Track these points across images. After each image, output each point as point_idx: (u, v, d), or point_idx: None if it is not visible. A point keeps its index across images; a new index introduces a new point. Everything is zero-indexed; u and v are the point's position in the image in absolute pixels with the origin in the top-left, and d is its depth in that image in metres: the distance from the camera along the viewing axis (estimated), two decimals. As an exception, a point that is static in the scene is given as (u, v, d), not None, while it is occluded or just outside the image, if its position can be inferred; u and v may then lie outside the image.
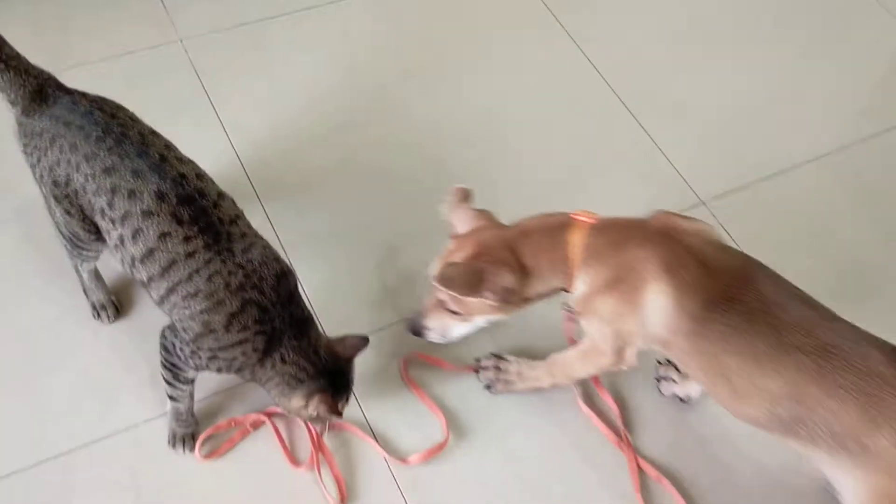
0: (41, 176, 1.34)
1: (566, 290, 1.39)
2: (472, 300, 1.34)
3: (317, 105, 2.00)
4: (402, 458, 1.47)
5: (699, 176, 1.96)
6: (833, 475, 1.27)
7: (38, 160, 1.33)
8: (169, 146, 1.33)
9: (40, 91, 1.34)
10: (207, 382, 1.51)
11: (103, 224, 1.30)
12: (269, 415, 1.49)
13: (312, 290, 1.64)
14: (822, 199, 1.96)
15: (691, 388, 1.56)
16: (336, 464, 1.45)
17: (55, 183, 1.32)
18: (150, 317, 1.59)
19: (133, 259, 1.29)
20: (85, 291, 1.57)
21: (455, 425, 1.53)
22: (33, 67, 1.36)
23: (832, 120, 2.13)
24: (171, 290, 1.28)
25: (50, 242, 1.63)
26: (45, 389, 1.50)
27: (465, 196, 1.45)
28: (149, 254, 1.26)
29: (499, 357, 1.58)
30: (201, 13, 2.13)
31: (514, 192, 1.82)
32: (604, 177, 1.93)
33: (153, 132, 1.34)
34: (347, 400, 1.41)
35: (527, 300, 1.39)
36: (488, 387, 1.57)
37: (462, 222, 1.41)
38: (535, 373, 1.54)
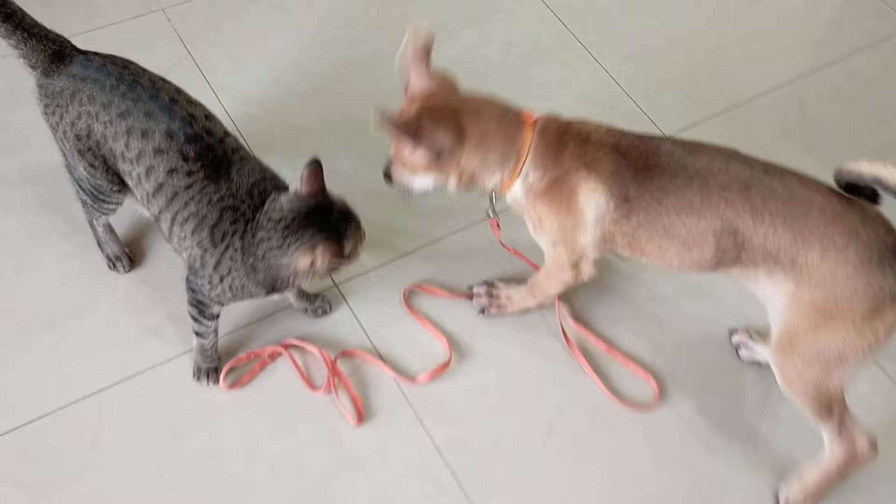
0: (64, 132, 1.43)
1: (494, 193, 1.50)
2: (410, 155, 1.43)
3: (300, 62, 2.10)
4: (410, 378, 1.61)
5: (661, 112, 2.11)
6: (769, 295, 1.43)
7: (61, 118, 1.42)
8: (179, 90, 1.43)
9: (58, 53, 1.43)
10: (227, 320, 1.61)
11: (124, 167, 1.41)
12: (286, 346, 1.61)
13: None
14: (772, 130, 2.13)
15: None
16: (351, 386, 1.58)
17: (77, 137, 1.41)
18: (161, 265, 1.70)
19: (147, 194, 1.40)
20: (99, 245, 1.66)
21: (455, 347, 1.66)
22: (51, 32, 1.45)
23: (783, 54, 2.30)
24: (173, 220, 1.39)
25: (60, 202, 1.72)
26: (71, 337, 1.60)
27: (426, 42, 1.43)
28: (158, 188, 1.38)
29: (490, 284, 1.73)
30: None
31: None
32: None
33: (163, 79, 1.44)
34: (358, 227, 1.40)
35: (463, 175, 1.45)
36: (482, 311, 1.71)
37: (418, 81, 1.44)
38: (521, 295, 1.69)
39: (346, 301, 1.70)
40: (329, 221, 1.35)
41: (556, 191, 1.42)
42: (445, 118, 1.39)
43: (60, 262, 1.69)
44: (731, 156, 1.40)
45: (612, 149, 1.41)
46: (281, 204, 1.35)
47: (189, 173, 1.36)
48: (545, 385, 1.64)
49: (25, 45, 1.42)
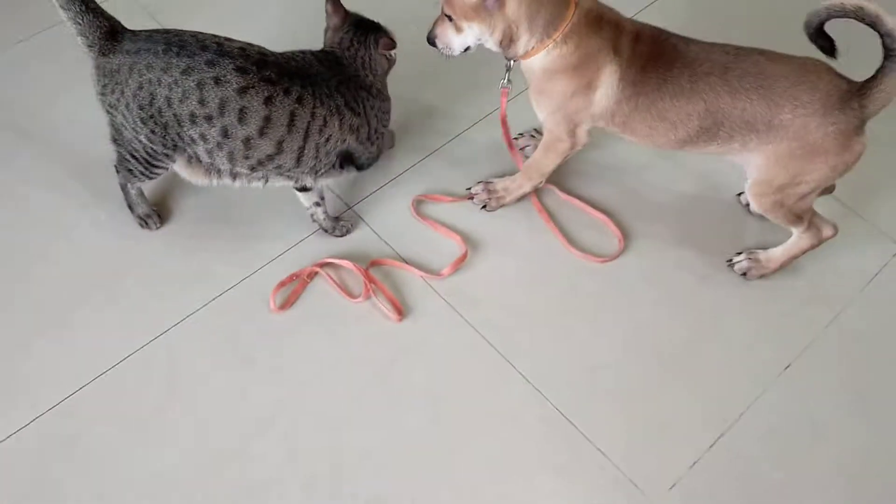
0: (127, 105, 1.52)
1: (513, 58, 1.65)
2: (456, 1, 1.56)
3: (276, 24, 2.24)
4: (436, 274, 1.80)
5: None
6: (744, 160, 1.67)
7: (122, 93, 1.52)
8: (215, 35, 1.55)
9: (112, 31, 1.52)
10: (261, 253, 1.80)
11: (194, 132, 1.52)
12: (321, 265, 1.78)
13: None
14: (686, 23, 2.37)
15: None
16: (386, 288, 1.77)
17: (141, 107, 1.52)
18: (189, 216, 1.85)
19: (248, 140, 1.53)
20: (131, 207, 1.79)
21: (468, 241, 1.86)
22: (103, 10, 1.53)
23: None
24: (306, 137, 1.56)
25: (75, 180, 1.88)
26: (125, 292, 1.74)
27: None
28: (266, 124, 1.51)
29: (486, 182, 1.92)
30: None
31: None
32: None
33: (199, 32, 1.55)
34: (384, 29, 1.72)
35: (508, 28, 1.58)
36: (484, 206, 1.91)
37: None
38: (516, 184, 1.89)
39: (363, 220, 1.88)
40: (370, 26, 1.71)
41: (583, 65, 1.59)
42: None
43: (95, 230, 1.82)
44: (712, 45, 1.61)
45: (634, 37, 1.60)
46: (340, 43, 1.67)
47: (287, 91, 1.51)
48: (552, 258, 1.86)
49: (83, 20, 1.49)
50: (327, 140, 1.59)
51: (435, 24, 1.67)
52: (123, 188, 1.76)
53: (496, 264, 1.84)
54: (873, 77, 1.51)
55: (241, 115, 1.49)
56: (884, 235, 1.92)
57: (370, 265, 1.80)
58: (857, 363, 1.74)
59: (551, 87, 1.65)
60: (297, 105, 1.53)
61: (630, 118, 1.65)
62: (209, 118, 1.50)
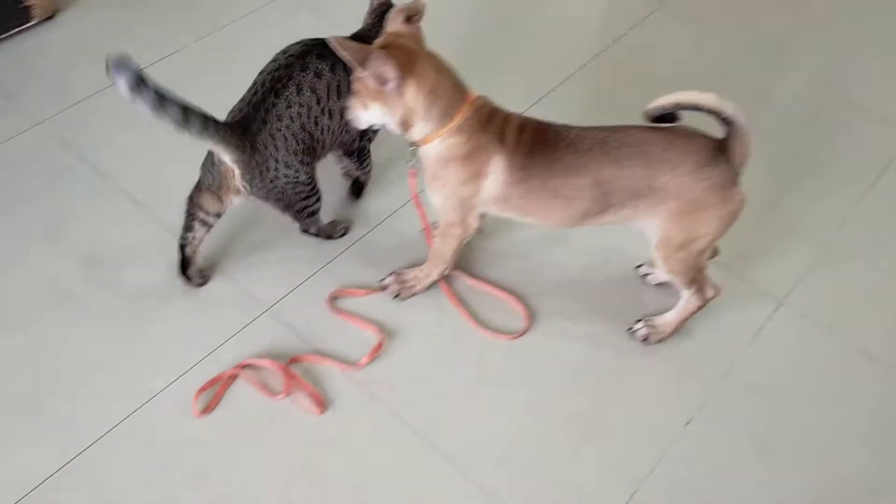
0: (287, 166, 1.77)
1: (414, 143, 1.78)
2: (363, 81, 1.66)
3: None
4: (354, 364, 1.88)
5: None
6: (642, 226, 1.82)
7: (276, 161, 1.75)
8: (272, 62, 1.81)
9: (239, 124, 1.71)
10: (184, 359, 1.85)
11: (316, 131, 1.80)
12: (241, 366, 1.84)
13: (249, 249, 2.04)
14: (575, 112, 2.59)
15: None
16: (307, 383, 1.84)
17: (294, 153, 1.78)
18: (109, 329, 1.90)
19: (337, 112, 1.81)
20: (330, 236, 2.07)
21: (383, 330, 1.95)
22: (222, 120, 1.71)
23: (573, 46, 2.80)
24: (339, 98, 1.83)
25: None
26: (46, 408, 1.76)
27: (416, 9, 1.69)
28: (338, 90, 1.81)
29: (397, 273, 2.04)
30: (43, 97, 2.42)
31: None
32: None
33: (268, 67, 1.80)
34: None
35: (405, 114, 1.68)
36: (396, 296, 2.02)
37: (393, 26, 1.70)
38: (425, 272, 2.01)
39: (281, 321, 1.96)
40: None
41: (473, 155, 1.73)
42: (398, 55, 1.62)
43: (15, 350, 1.85)
44: (591, 127, 1.77)
45: (519, 128, 1.76)
46: (367, 26, 1.97)
47: (337, 60, 1.80)
48: (464, 339, 1.97)
49: (224, 135, 1.67)
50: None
51: (349, 100, 1.80)
52: (319, 230, 2.05)
53: (411, 350, 1.94)
54: (726, 138, 1.69)
55: (338, 91, 1.80)
56: (763, 294, 2.10)
57: (290, 362, 1.87)
58: (750, 412, 1.87)
59: (445, 174, 1.78)
60: (344, 73, 1.83)
61: (525, 200, 1.79)
62: (324, 111, 1.75)
